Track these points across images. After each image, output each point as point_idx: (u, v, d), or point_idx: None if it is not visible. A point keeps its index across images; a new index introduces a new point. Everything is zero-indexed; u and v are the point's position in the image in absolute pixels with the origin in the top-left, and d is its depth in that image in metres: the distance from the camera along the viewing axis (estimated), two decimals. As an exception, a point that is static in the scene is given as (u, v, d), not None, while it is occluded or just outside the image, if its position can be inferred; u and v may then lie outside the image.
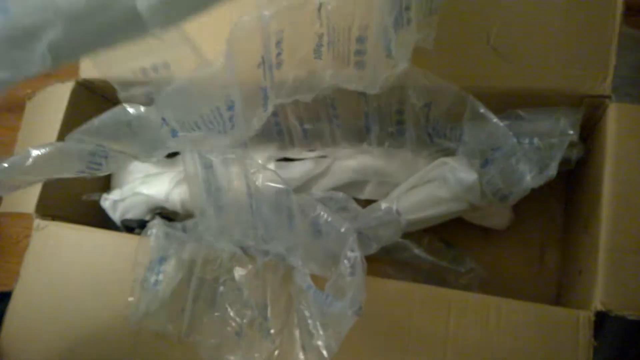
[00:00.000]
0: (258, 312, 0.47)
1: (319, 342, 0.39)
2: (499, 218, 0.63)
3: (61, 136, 0.70)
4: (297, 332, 0.47)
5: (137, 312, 0.52)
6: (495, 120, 0.46)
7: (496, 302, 0.48)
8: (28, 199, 0.68)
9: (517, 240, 0.66)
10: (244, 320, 0.49)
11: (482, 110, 0.46)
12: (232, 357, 0.48)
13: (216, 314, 0.50)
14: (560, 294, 0.60)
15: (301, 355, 0.46)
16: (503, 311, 0.47)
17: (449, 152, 0.57)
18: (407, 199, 0.59)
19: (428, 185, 0.58)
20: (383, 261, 0.67)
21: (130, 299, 0.53)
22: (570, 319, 0.45)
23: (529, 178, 0.45)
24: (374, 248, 0.56)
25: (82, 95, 0.75)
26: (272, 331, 0.47)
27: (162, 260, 0.51)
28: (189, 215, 0.65)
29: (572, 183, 0.62)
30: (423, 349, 0.48)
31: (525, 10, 0.50)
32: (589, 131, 0.54)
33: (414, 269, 0.66)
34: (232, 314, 0.49)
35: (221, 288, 0.50)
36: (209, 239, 0.52)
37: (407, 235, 0.62)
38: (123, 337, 0.55)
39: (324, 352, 0.39)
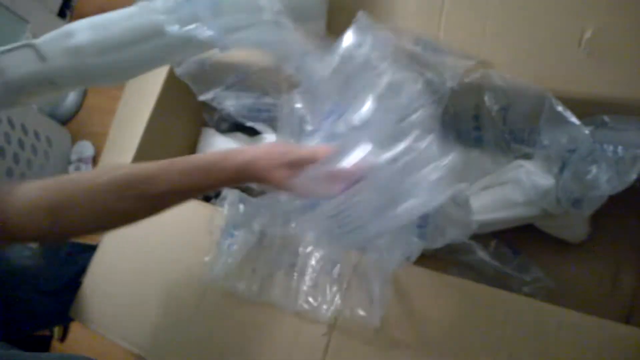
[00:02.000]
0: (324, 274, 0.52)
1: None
2: (573, 230, 0.62)
3: (156, 111, 0.79)
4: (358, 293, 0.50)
5: (211, 271, 0.58)
6: (573, 119, 0.46)
7: (558, 313, 0.47)
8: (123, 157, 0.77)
9: (591, 256, 0.65)
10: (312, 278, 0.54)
11: (559, 109, 0.46)
12: (305, 305, 0.53)
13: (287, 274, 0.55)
14: (632, 314, 0.59)
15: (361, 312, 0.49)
16: (564, 323, 0.46)
17: (527, 158, 0.57)
18: (478, 199, 0.60)
19: (501, 187, 0.59)
20: (448, 261, 0.68)
21: (206, 258, 0.59)
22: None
23: (605, 182, 0.45)
24: (439, 242, 0.58)
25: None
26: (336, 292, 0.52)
27: (237, 226, 0.57)
28: (262, 192, 0.70)
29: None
30: (475, 351, 0.48)
31: (626, 12, 0.49)
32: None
33: (478, 272, 0.67)
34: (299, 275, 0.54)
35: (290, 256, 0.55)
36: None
37: (474, 237, 0.63)
38: (193, 295, 0.61)
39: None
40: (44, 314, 0.72)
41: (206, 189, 0.44)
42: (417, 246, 0.45)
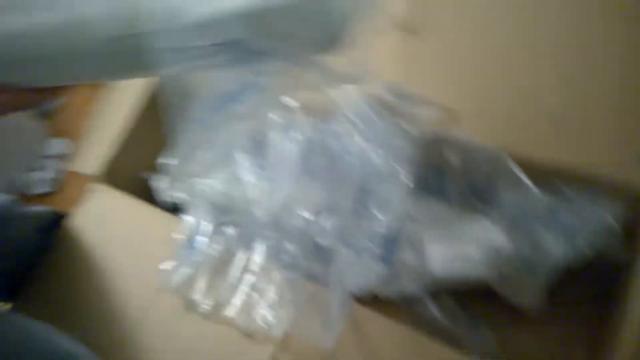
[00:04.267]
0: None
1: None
2: (528, 297, 0.64)
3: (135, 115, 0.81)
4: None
5: (166, 279, 0.59)
6: (527, 181, 0.49)
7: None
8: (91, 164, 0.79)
9: (544, 329, 0.67)
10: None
11: (515, 170, 0.50)
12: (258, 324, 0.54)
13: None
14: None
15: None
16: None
17: (487, 215, 0.61)
18: (435, 251, 0.62)
19: (460, 243, 0.62)
20: (401, 310, 0.70)
21: (162, 266, 0.60)
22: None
23: (557, 249, 0.48)
24: (392, 288, 0.60)
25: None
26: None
27: (199, 239, 0.59)
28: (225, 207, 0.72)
29: (611, 287, 0.62)
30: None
31: (598, 86, 0.53)
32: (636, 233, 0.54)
33: (429, 326, 0.68)
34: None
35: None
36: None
37: (429, 291, 0.65)
38: (143, 300, 0.62)
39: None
40: None
41: None
42: (378, 275, 0.47)
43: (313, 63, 0.33)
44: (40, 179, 1.26)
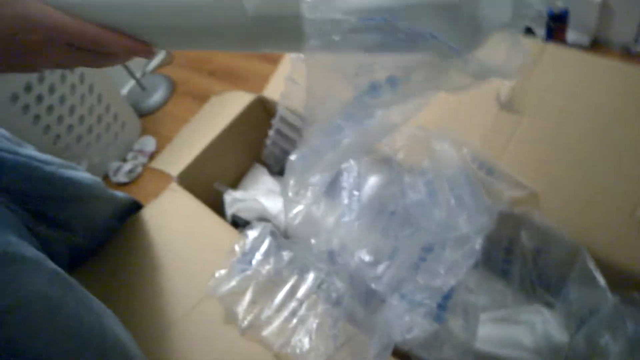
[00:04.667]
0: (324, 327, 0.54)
1: None
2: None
3: (223, 134, 0.87)
4: None
5: (216, 285, 0.62)
6: (601, 282, 0.48)
7: None
8: (173, 166, 0.85)
9: None
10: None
11: (591, 267, 0.49)
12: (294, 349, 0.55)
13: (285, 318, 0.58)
14: None
15: None
16: None
17: (548, 306, 0.59)
18: (486, 329, 0.61)
19: (514, 326, 0.60)
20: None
21: (217, 274, 0.63)
22: None
23: (616, 354, 0.46)
24: (430, 355, 0.59)
25: (256, 108, 0.92)
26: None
27: (256, 257, 0.62)
28: (286, 235, 0.75)
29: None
30: None
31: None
32: None
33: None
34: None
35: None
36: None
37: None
38: (187, 299, 0.65)
39: None
40: None
41: None
42: (425, 332, 0.47)
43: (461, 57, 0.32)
44: (125, 170, 1.35)
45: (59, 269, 0.50)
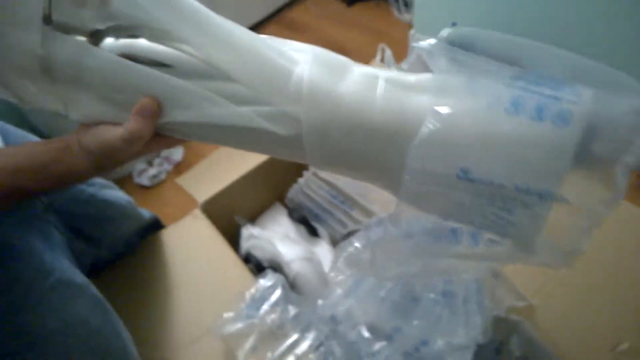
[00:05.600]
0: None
1: None
2: None
3: (254, 171, 0.92)
4: None
5: (221, 324, 0.66)
6: None
7: None
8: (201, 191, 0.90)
9: None
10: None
11: None
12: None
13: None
14: None
15: None
16: None
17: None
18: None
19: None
20: None
21: (225, 314, 0.68)
22: None
23: None
24: None
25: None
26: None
27: (265, 305, 0.66)
28: (293, 284, 0.79)
29: None
30: None
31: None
32: None
33: None
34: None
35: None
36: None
37: None
38: (188, 333, 0.70)
39: None
40: None
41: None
42: None
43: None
44: (149, 174, 1.41)
45: (100, 295, 0.55)
